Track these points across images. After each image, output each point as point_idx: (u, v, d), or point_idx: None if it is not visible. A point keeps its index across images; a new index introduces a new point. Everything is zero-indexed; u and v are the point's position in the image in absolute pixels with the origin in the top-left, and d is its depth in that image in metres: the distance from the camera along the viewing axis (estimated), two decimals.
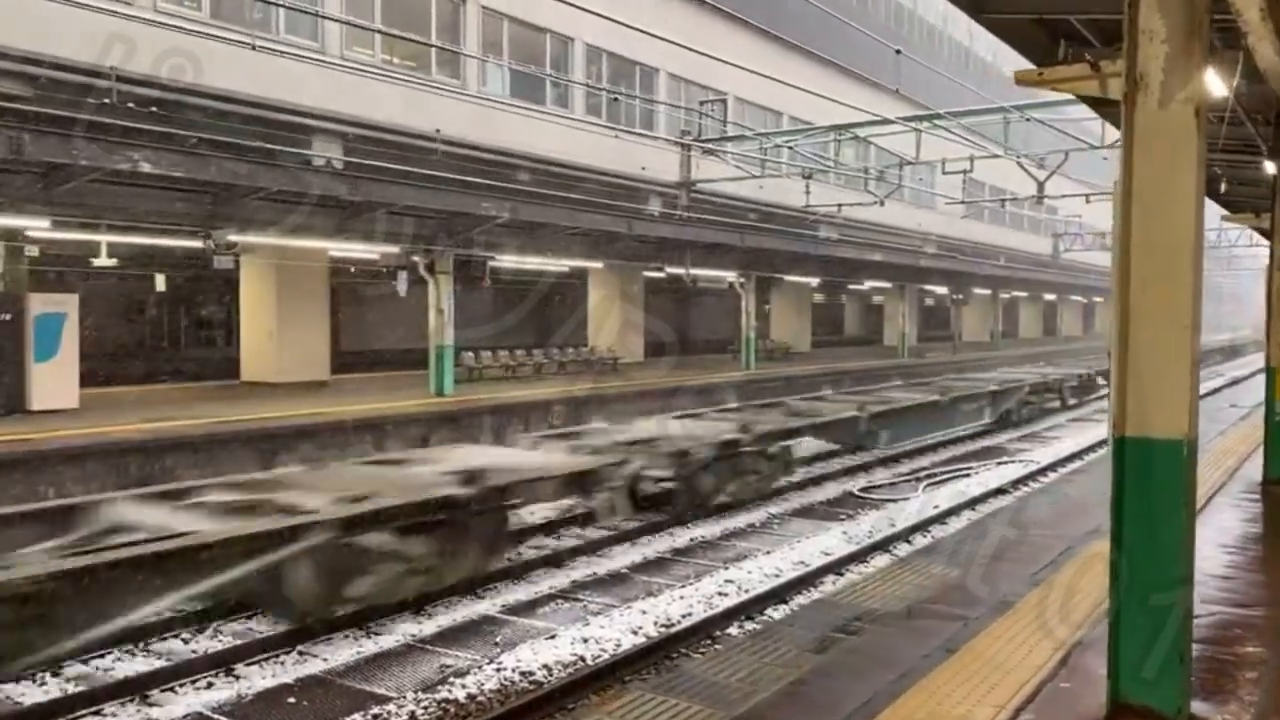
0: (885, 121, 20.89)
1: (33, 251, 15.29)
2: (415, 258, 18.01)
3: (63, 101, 13.39)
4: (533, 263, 21.75)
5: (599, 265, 24.70)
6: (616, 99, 23.40)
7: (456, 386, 18.86)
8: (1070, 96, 12.27)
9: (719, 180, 24.31)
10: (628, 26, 16.53)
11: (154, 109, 14.19)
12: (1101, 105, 9.80)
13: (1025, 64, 8.18)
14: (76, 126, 12.53)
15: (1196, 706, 4.21)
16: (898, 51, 16.95)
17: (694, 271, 24.88)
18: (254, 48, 13.65)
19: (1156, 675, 3.98)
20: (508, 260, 20.54)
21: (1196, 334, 3.91)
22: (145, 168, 12.70)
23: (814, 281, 33.60)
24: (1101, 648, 4.88)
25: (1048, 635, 5.20)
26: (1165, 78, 3.87)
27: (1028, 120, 19.91)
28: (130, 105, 13.79)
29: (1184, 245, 3.89)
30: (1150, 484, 3.95)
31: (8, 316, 14.19)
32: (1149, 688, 4.00)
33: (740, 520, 12.69)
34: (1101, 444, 19.26)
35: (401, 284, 18.49)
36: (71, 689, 7.08)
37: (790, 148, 24.63)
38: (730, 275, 26.57)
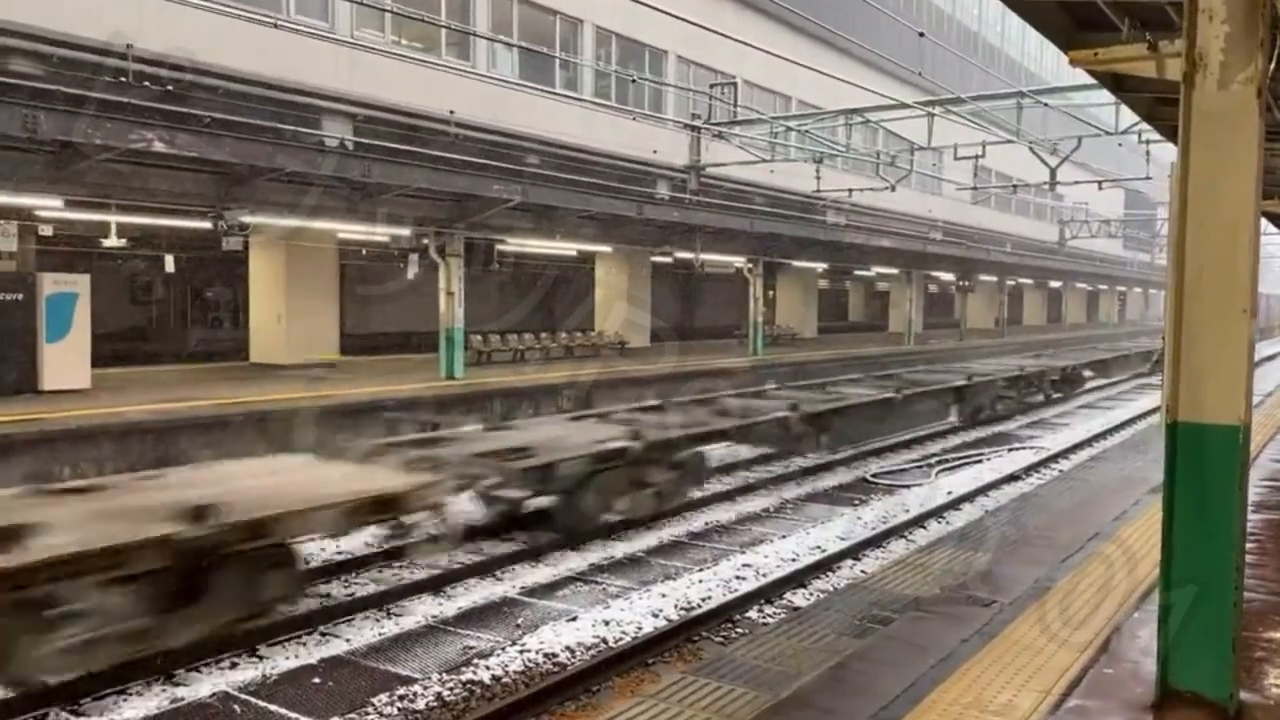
0: (899, 106, 20.78)
1: (44, 231, 15.22)
2: (426, 240, 17.96)
3: (77, 80, 13.29)
4: (542, 246, 21.69)
5: (608, 249, 24.63)
6: (634, 81, 23.26)
7: (466, 370, 18.83)
8: (1088, 81, 12.16)
9: (729, 164, 24.20)
10: (639, 2, 16.39)
11: (168, 88, 14.09)
12: (1125, 89, 9.76)
13: (1048, 49, 8.15)
14: (90, 105, 12.45)
15: (1242, 693, 4.18)
16: (920, 34, 16.81)
17: (703, 256, 24.81)
18: (276, 26, 13.54)
19: (1206, 661, 3.96)
20: (517, 244, 20.49)
21: (1253, 319, 3.87)
22: (158, 147, 12.64)
23: (820, 267, 33.54)
24: (1142, 633, 4.89)
25: (1085, 621, 5.18)
26: (1225, 58, 3.82)
27: (1045, 106, 19.79)
28: (146, 84, 13.70)
29: (1241, 229, 3.85)
30: (1203, 470, 3.91)
31: (19, 296, 14.12)
32: (1198, 674, 3.98)
33: (755, 505, 12.68)
34: (1113, 430, 19.26)
35: (412, 266, 18.43)
36: (96, 668, 7.07)
37: (801, 131, 24.51)
38: (739, 260, 26.50)
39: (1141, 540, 7.04)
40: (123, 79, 13.48)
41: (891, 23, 24.61)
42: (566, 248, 23.17)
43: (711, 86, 25.38)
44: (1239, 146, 3.84)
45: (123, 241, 16.79)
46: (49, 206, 14.00)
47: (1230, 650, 3.92)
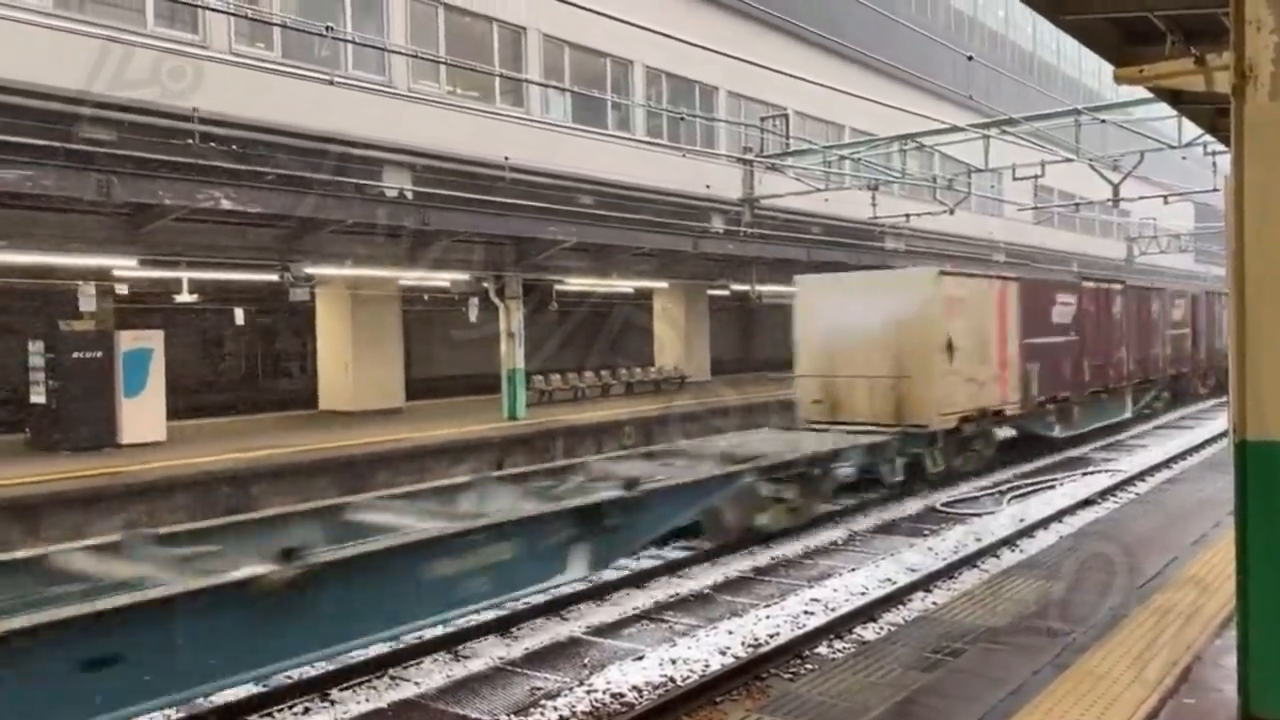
0: (954, 129, 20.61)
1: (120, 289, 15.77)
2: (485, 284, 18.23)
3: (147, 144, 13.81)
4: (599, 285, 21.87)
5: (664, 285, 24.71)
6: (682, 119, 23.45)
7: (528, 409, 18.98)
8: (1147, 96, 11.92)
9: (783, 195, 24.19)
10: (687, 43, 16.54)
11: (233, 147, 14.58)
12: (1183, 103, 9.59)
13: (1105, 65, 8.09)
14: (161, 167, 12.93)
15: None
16: (969, 58, 16.69)
17: (760, 288, 24.76)
18: (331, 82, 13.97)
19: None
20: (574, 283, 20.68)
21: None
22: (225, 204, 13.07)
23: None
24: (1222, 661, 4.71)
25: (1163, 650, 5.02)
26: (1276, 69, 3.74)
27: (1103, 122, 19.47)
28: (211, 144, 14.19)
29: None
30: (1276, 489, 3.78)
31: (99, 353, 14.65)
32: None
33: (822, 538, 12.53)
34: (1190, 452, 18.67)
35: (472, 310, 18.72)
36: (174, 714, 7.23)
37: (854, 159, 24.42)
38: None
39: (1222, 564, 6.81)
40: (189, 141, 13.97)
41: (944, 47, 24.50)
42: (623, 285, 23.31)
43: (763, 119, 25.44)
44: None
45: (194, 297, 17.31)
46: (124, 266, 14.52)
47: None
